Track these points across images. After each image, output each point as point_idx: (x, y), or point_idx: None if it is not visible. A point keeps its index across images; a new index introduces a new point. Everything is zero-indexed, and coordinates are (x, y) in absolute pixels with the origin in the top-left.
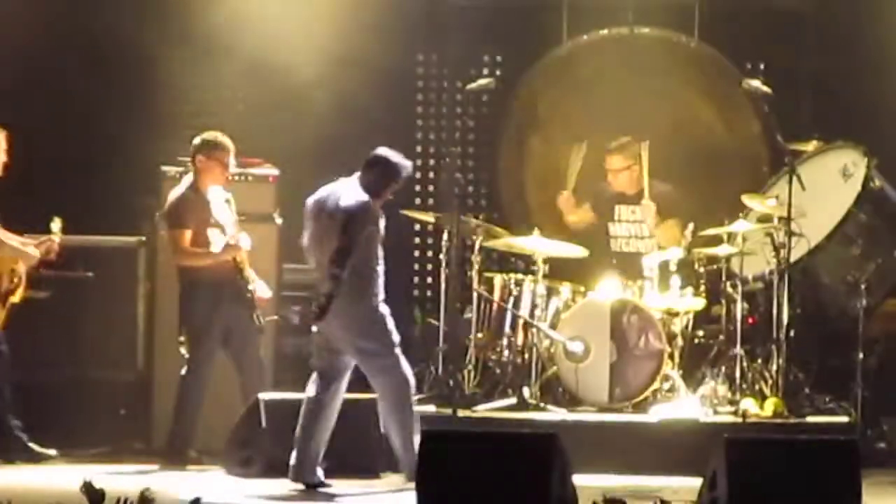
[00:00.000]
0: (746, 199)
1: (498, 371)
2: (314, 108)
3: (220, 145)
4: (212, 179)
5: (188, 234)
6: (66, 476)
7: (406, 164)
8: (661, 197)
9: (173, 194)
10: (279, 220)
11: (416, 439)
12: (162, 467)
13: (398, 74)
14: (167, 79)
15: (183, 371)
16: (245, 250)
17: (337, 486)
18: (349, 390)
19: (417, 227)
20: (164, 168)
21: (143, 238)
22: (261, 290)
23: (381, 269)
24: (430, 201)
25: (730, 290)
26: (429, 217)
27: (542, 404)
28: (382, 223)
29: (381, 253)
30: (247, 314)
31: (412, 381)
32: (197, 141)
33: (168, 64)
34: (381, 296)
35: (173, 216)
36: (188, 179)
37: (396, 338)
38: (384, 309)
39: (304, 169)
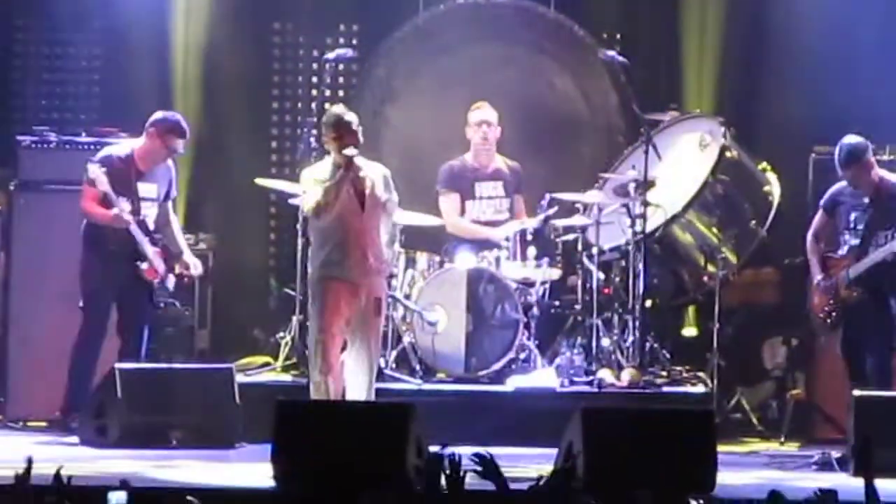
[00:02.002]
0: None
1: None
2: (170, 77)
3: (178, 131)
4: (152, 159)
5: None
6: None
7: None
8: (510, 173)
9: (111, 150)
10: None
11: None
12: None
13: (254, 43)
14: (23, 49)
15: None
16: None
17: (193, 455)
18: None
19: (273, 196)
20: (20, 138)
21: None
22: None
23: None
24: (286, 171)
25: (586, 260)
26: (284, 186)
27: (397, 374)
28: None
29: None
30: (140, 286)
31: None
32: (159, 116)
33: (23, 34)
34: None
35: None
36: (131, 145)
37: None
38: None
39: None
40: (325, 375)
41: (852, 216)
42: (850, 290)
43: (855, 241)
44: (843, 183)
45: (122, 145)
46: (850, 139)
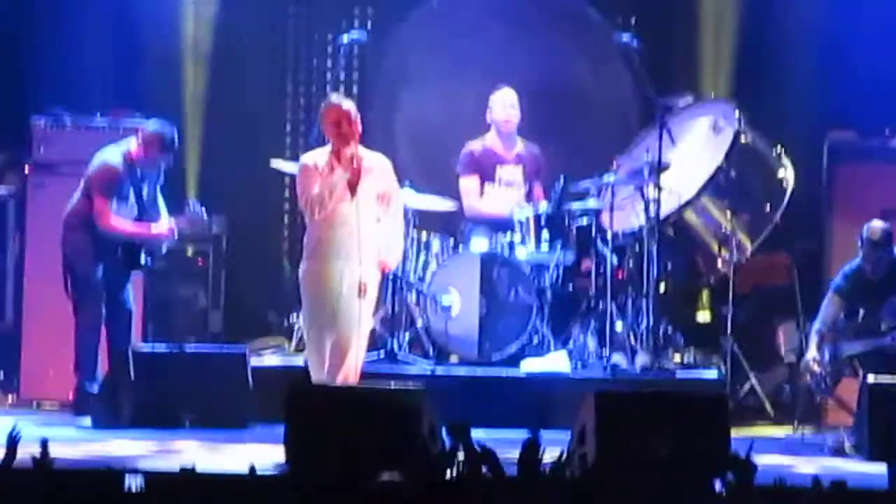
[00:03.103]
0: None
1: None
2: (185, 59)
3: (159, 143)
4: (148, 164)
5: (112, 204)
6: None
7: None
8: (531, 158)
9: (108, 160)
10: None
11: None
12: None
13: (269, 26)
14: (33, 30)
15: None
16: None
17: (205, 437)
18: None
19: (287, 179)
20: (35, 118)
21: (13, 189)
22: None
23: None
24: (301, 153)
25: (599, 244)
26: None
27: (411, 357)
28: None
29: None
30: (120, 262)
31: None
32: (149, 124)
33: (38, 14)
34: None
35: (103, 184)
36: (126, 148)
37: None
38: None
39: (175, 120)
40: (322, 364)
41: (862, 294)
42: (844, 365)
43: (859, 316)
44: (855, 266)
45: (113, 153)
46: (881, 223)
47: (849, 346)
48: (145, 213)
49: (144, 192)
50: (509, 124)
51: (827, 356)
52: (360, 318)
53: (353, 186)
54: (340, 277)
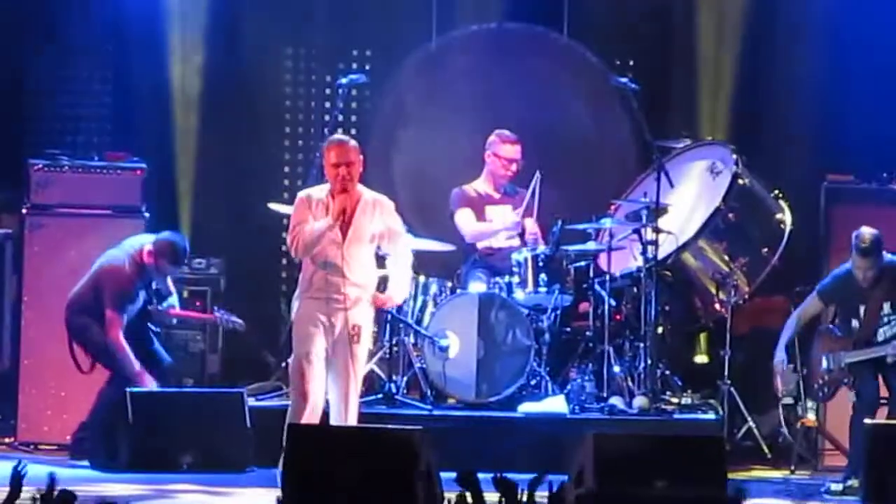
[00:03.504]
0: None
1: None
2: (181, 102)
3: (170, 256)
4: (157, 272)
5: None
6: None
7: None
8: (519, 197)
9: (120, 268)
10: (146, 214)
11: None
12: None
13: (267, 68)
14: (34, 72)
15: None
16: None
17: (203, 479)
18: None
19: (285, 221)
20: (32, 161)
21: (10, 231)
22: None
23: None
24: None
25: (597, 286)
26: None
27: (408, 399)
28: None
29: None
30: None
31: None
32: (161, 235)
33: (35, 58)
34: None
35: (116, 295)
36: (136, 251)
37: None
38: None
39: (171, 163)
40: (303, 402)
41: (853, 300)
42: (843, 373)
43: (856, 324)
44: (844, 270)
45: (123, 258)
46: (870, 229)
47: (848, 355)
48: (151, 303)
49: (152, 286)
50: (508, 176)
51: (826, 364)
52: (354, 360)
53: (344, 229)
54: (329, 321)
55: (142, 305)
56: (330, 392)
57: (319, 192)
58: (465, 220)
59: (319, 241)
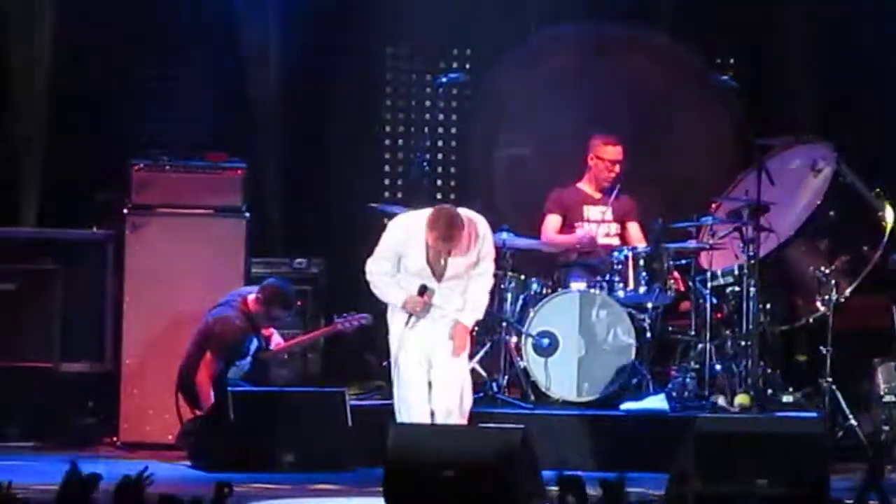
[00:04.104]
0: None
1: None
2: (284, 101)
3: (280, 301)
4: (264, 319)
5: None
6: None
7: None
8: (622, 202)
9: (232, 320)
10: (247, 214)
11: None
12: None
13: (368, 67)
14: (135, 71)
15: None
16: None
17: (305, 479)
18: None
19: (386, 220)
20: (133, 161)
21: (111, 232)
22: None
23: None
24: (399, 195)
25: (698, 284)
26: (397, 210)
27: (510, 398)
28: None
29: None
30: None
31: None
32: (268, 282)
33: (134, 57)
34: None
35: (225, 345)
36: (241, 308)
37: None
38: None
39: (272, 163)
40: (406, 409)
41: None
42: None
43: None
44: None
45: (234, 314)
46: None
47: None
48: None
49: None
50: (611, 178)
51: None
52: (454, 369)
53: (439, 271)
54: (423, 334)
55: (254, 353)
56: (433, 402)
57: (415, 222)
58: (548, 225)
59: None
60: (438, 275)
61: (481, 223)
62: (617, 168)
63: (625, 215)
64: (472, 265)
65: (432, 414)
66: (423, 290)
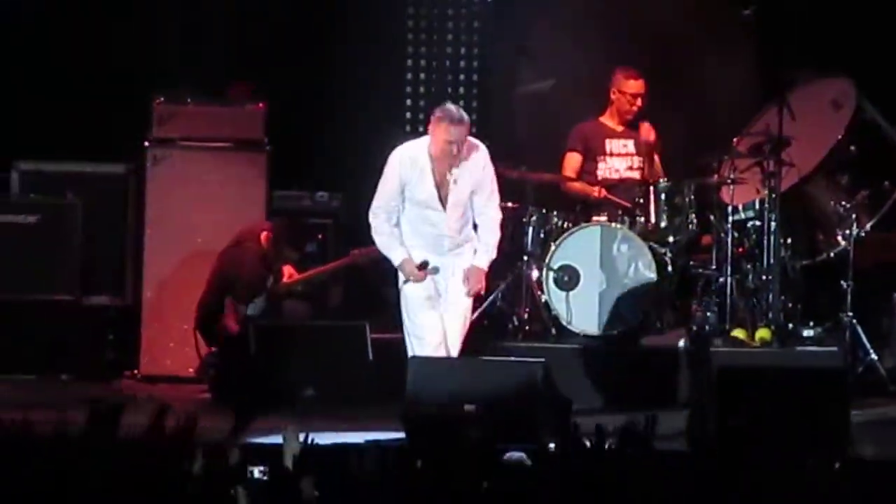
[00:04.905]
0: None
1: (488, 299)
2: (304, 32)
3: (286, 242)
4: (278, 261)
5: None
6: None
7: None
8: (646, 138)
9: (249, 263)
10: (268, 147)
11: None
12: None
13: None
14: (156, 6)
15: None
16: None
17: (325, 411)
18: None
19: None
20: (155, 96)
21: (132, 166)
22: None
23: None
24: (420, 128)
25: (720, 219)
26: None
27: (531, 332)
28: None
29: None
30: None
31: None
32: (283, 226)
33: None
34: None
35: (245, 292)
36: (255, 248)
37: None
38: None
39: (293, 96)
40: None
41: None
42: None
43: None
44: None
45: (247, 247)
46: None
47: None
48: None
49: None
50: (633, 111)
51: None
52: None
53: (443, 198)
54: (440, 271)
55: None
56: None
57: (417, 150)
58: (567, 163)
59: (426, 203)
60: (444, 198)
61: (483, 148)
62: (639, 102)
63: (647, 149)
64: (474, 192)
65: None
66: (424, 265)
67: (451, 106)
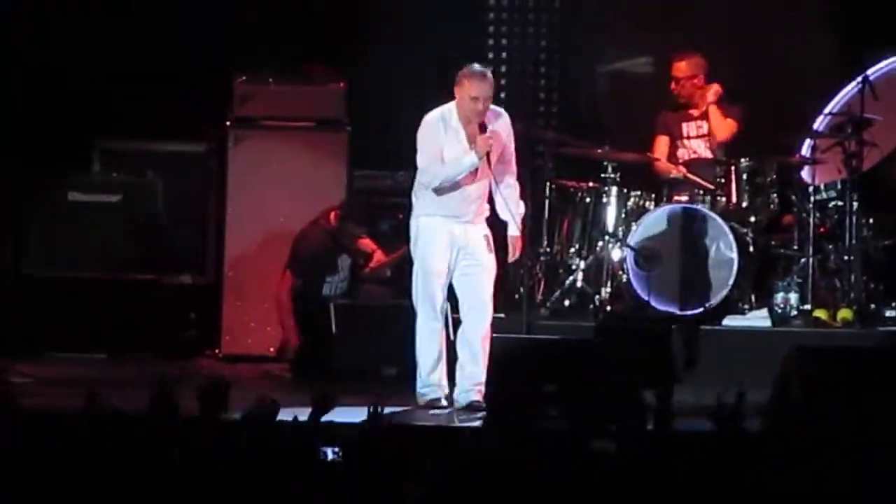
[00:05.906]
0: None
1: (569, 279)
2: (385, 13)
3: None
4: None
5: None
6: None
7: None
8: (720, 117)
9: (308, 235)
10: (348, 127)
11: None
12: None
13: None
14: None
15: None
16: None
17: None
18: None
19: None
20: (236, 75)
21: (214, 145)
22: None
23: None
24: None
25: (801, 199)
26: None
27: (612, 312)
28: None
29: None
30: None
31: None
32: (348, 203)
33: None
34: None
35: (298, 261)
36: (322, 223)
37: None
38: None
39: (374, 76)
40: (433, 314)
41: None
42: None
43: None
44: None
45: (318, 223)
46: None
47: None
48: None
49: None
50: (687, 95)
51: None
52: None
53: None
54: (458, 235)
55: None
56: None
57: (448, 114)
58: (656, 147)
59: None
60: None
61: (506, 115)
62: (695, 82)
63: (722, 127)
64: (500, 158)
65: (461, 305)
66: (483, 129)
67: (474, 64)
